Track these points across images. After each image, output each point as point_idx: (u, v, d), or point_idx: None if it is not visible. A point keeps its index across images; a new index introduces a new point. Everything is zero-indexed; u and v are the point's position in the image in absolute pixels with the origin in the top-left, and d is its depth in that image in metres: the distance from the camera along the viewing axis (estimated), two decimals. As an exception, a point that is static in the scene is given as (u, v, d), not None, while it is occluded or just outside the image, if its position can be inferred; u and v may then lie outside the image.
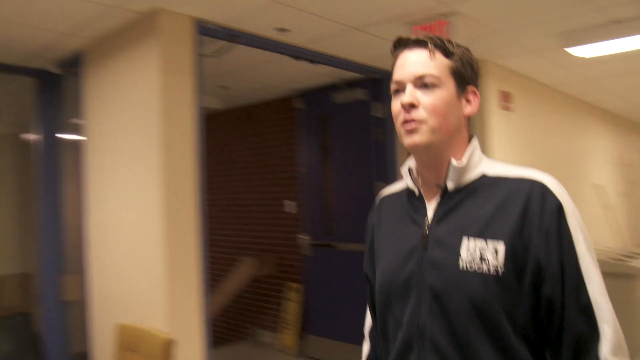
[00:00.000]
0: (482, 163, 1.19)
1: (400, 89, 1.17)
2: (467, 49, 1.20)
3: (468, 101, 1.20)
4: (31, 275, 4.01)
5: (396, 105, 1.17)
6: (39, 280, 3.77)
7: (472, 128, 1.25)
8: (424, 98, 1.13)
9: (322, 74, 4.45)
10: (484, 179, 1.16)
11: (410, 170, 1.25)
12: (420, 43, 1.16)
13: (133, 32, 3.06)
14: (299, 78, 4.61)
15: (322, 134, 4.95)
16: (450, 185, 1.17)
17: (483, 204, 1.13)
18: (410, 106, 1.13)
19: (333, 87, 4.75)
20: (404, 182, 1.28)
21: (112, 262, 3.26)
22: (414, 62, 1.15)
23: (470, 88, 1.20)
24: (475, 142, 1.21)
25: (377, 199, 1.38)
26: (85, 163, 3.49)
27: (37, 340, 3.70)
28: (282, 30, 3.26)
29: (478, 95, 1.21)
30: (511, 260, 1.06)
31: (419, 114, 1.13)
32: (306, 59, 3.77)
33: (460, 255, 1.10)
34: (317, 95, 4.93)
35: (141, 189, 2.99)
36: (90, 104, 3.46)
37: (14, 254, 4.37)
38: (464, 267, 1.08)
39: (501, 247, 1.07)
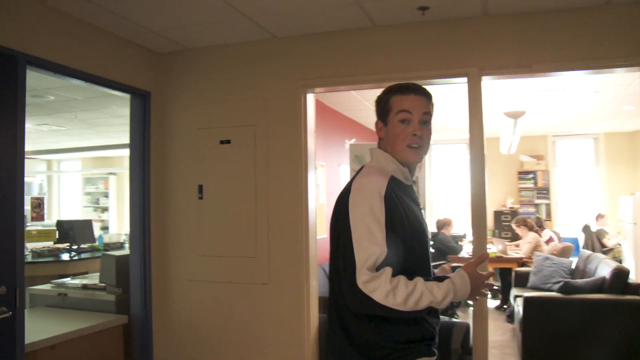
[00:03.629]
0: None
1: (408, 118, 1.77)
2: None
3: None
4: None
5: (401, 129, 1.78)
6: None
7: None
8: (425, 130, 1.80)
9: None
10: None
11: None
12: (424, 92, 1.82)
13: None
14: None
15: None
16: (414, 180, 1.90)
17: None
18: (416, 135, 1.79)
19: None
20: (387, 172, 1.76)
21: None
22: (421, 105, 1.80)
23: None
24: None
25: (386, 177, 1.74)
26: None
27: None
28: None
29: None
30: None
31: (422, 140, 1.80)
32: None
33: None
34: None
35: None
36: None
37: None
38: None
39: None
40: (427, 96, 1.82)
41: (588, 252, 6.44)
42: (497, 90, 6.31)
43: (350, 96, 6.26)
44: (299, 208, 3.78)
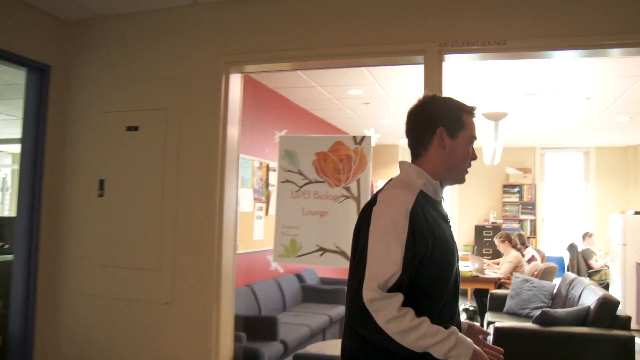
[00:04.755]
0: None
1: (473, 142, 1.77)
2: None
3: None
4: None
5: (469, 151, 1.75)
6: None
7: None
8: None
9: None
10: None
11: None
12: None
13: None
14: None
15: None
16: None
17: None
18: None
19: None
20: (416, 187, 1.65)
21: None
22: None
23: None
24: None
25: (415, 192, 1.62)
26: None
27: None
28: None
29: None
30: None
31: None
32: None
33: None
34: None
35: None
36: None
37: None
38: None
39: None
40: None
41: (572, 275, 5.75)
42: (474, 88, 5.66)
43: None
44: (212, 213, 3.07)
